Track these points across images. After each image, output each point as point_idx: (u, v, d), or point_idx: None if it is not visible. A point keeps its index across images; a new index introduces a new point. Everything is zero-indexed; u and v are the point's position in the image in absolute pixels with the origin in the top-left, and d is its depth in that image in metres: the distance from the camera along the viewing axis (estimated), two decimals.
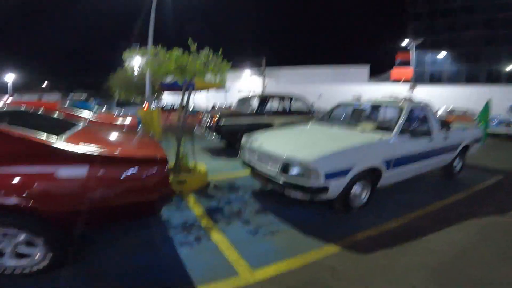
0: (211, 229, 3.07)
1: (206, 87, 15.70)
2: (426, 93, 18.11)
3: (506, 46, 22.75)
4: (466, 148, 5.24)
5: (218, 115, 7.02)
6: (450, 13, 25.68)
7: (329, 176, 3.00)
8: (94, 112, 7.61)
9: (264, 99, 7.53)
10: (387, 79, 29.16)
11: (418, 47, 24.73)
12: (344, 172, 3.11)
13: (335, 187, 3.10)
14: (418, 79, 25.23)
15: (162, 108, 14.80)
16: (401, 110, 4.00)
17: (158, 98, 16.87)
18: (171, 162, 4.75)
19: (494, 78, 23.08)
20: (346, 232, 3.05)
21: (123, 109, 12.38)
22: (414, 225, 3.27)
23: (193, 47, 4.08)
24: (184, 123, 4.72)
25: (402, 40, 21.21)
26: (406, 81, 21.46)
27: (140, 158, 2.19)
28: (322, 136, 3.81)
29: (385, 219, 3.39)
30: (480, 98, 17.81)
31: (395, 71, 28.60)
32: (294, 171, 3.11)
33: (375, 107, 4.71)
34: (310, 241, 2.89)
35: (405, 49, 21.84)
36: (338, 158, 3.08)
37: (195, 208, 3.64)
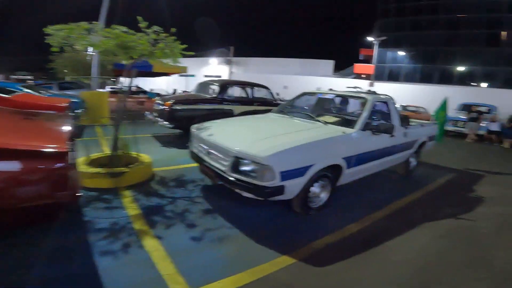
0: (145, 234, 2.56)
1: (166, 71, 14.51)
2: (383, 90, 18.76)
3: (462, 46, 24.29)
4: (422, 145, 5.26)
5: (171, 100, 6.38)
6: (416, 11, 26.77)
7: (286, 174, 2.64)
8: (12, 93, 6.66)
9: (224, 85, 7.01)
10: (351, 74, 30.11)
11: (381, 44, 25.67)
12: (303, 170, 2.77)
13: (293, 186, 2.76)
14: (378, 75, 26.28)
15: (116, 91, 13.61)
16: (364, 103, 3.77)
17: (115, 80, 15.46)
18: (104, 153, 4.16)
19: (446, 78, 24.79)
20: (305, 239, 2.73)
21: (65, 92, 11.11)
22: (376, 229, 3.05)
23: (143, 24, 3.68)
24: (124, 107, 4.10)
25: (369, 36, 21.79)
26: (367, 76, 22.18)
27: (18, 150, 1.59)
28: (280, 129, 3.45)
29: (345, 221, 3.14)
30: (433, 96, 18.97)
31: (358, 67, 29.55)
32: (246, 167, 2.70)
33: (339, 99, 4.46)
34: (264, 250, 2.49)
35: (370, 46, 22.50)
36: (296, 154, 2.73)
37: (130, 207, 3.09)
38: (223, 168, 2.91)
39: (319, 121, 3.70)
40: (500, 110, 13.55)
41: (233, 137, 3.17)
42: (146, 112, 7.64)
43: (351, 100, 4.33)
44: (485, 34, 23.39)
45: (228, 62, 35.58)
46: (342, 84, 24.64)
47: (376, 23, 28.32)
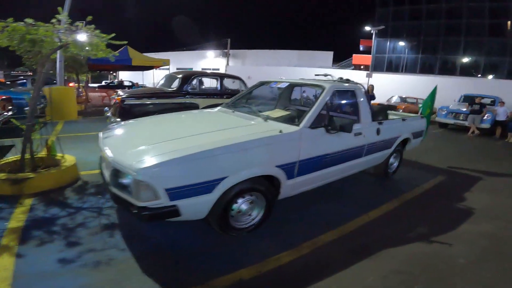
0: (5, 251, 2.13)
1: (147, 64, 13.74)
2: (383, 81, 17.81)
3: (465, 36, 22.83)
4: (404, 142, 4.47)
5: (124, 94, 5.67)
6: (417, 0, 25.33)
7: (178, 191, 1.93)
8: None
9: (187, 77, 6.26)
10: (351, 65, 28.99)
11: (379, 34, 24.47)
12: (209, 185, 2.05)
13: (195, 206, 2.06)
14: (378, 66, 25.06)
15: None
16: (319, 93, 2.98)
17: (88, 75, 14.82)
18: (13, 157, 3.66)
19: (448, 69, 23.46)
20: (214, 270, 2.08)
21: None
22: (313, 260, 2.33)
23: (63, 15, 3.60)
24: (35, 106, 3.65)
25: (367, 26, 20.65)
26: (366, 67, 21.15)
27: None
28: (200, 128, 2.69)
29: (280, 247, 2.43)
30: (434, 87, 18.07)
31: (356, 57, 28.39)
32: (123, 181, 2.01)
33: (295, 89, 3.67)
34: (145, 283, 1.92)
35: (371, 36, 21.39)
36: (194, 164, 2.00)
37: (16, 218, 2.60)
38: (107, 179, 2.24)
39: (260, 116, 2.93)
40: (506, 103, 12.58)
41: (125, 140, 2.50)
42: (106, 108, 6.94)
43: (307, 90, 3.56)
44: (488, 24, 21.97)
45: (225, 55, 34.88)
46: (341, 75, 23.64)
47: (375, 12, 26.97)
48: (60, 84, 9.36)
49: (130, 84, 20.82)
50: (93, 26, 4.26)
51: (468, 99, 12.19)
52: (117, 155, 2.13)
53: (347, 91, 3.38)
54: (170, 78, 6.67)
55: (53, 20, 3.84)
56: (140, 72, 25.36)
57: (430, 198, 3.87)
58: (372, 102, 9.21)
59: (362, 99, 3.38)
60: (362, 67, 25.86)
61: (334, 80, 3.78)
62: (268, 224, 2.70)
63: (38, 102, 8.10)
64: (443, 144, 8.28)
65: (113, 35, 3.84)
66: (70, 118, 8.61)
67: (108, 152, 2.25)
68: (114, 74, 29.93)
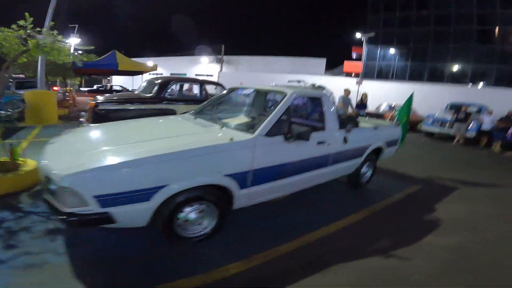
0: None
1: (134, 69, 13.64)
2: (373, 88, 17.90)
3: (454, 43, 23.04)
4: (378, 151, 4.41)
5: (98, 99, 5.56)
6: (406, 6, 25.50)
7: (110, 198, 1.87)
8: None
9: (165, 83, 6.17)
10: (342, 72, 29.19)
11: (370, 41, 24.72)
12: (146, 193, 1.97)
13: (132, 214, 1.99)
14: (368, 73, 25.23)
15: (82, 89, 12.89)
16: (279, 100, 2.90)
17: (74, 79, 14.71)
18: None
19: (437, 76, 23.66)
20: (151, 282, 1.98)
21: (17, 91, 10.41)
22: (261, 273, 2.23)
23: (29, 21, 3.70)
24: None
25: (357, 32, 20.81)
26: (357, 75, 21.30)
27: None
28: (147, 135, 2.63)
29: (229, 258, 2.34)
30: (423, 95, 18.13)
31: (347, 65, 28.57)
32: (51, 187, 1.96)
33: (260, 96, 3.60)
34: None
35: (362, 43, 21.60)
36: (126, 171, 1.92)
37: None
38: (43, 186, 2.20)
39: (218, 123, 2.85)
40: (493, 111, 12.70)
41: (66, 147, 2.43)
42: (82, 113, 6.80)
43: (270, 96, 3.48)
44: (476, 30, 22.30)
45: (219, 61, 34.97)
46: (333, 82, 23.78)
47: (367, 19, 27.26)
48: (41, 88, 9.21)
49: (121, 88, 20.72)
50: (55, 31, 4.20)
51: (455, 107, 12.26)
52: (49, 162, 2.09)
53: (313, 98, 3.31)
54: (149, 84, 6.57)
55: (13, 26, 3.79)
56: (134, 78, 25.34)
57: (400, 208, 3.79)
58: (365, 111, 8.76)
59: (328, 106, 3.31)
60: (353, 74, 26.02)
61: (306, 87, 3.71)
62: (226, 233, 2.64)
63: (16, 106, 8.01)
64: (426, 152, 8.27)
65: (78, 40, 4.01)
66: (49, 123, 8.46)
67: (44, 158, 2.19)
68: (108, 78, 29.88)
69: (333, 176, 3.59)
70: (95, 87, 23.81)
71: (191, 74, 35.58)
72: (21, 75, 14.54)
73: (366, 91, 10.88)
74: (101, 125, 3.23)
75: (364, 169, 4.24)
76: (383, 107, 15.54)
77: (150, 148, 2.12)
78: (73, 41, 25.53)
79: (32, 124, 8.03)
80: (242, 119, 3.01)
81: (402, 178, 5.17)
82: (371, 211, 3.58)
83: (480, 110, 12.14)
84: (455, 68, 22.82)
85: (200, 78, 7.12)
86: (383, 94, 17.82)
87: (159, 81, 6.22)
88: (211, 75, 33.91)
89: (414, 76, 24.26)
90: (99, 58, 13.33)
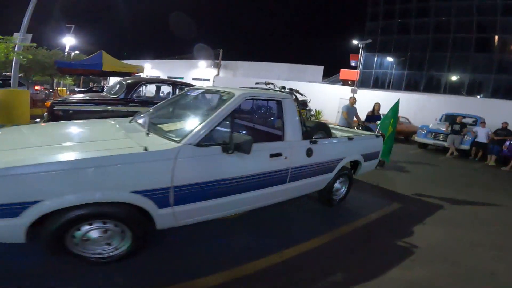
0: None
1: (119, 70, 13.20)
2: (369, 97, 17.49)
3: (452, 51, 22.52)
4: (355, 165, 3.95)
5: (56, 99, 5.13)
6: (405, 13, 25.06)
7: None
8: None
9: (133, 84, 5.74)
10: (339, 80, 28.85)
11: (367, 49, 24.42)
12: (11, 208, 1.60)
13: None
14: (365, 81, 24.84)
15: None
16: (222, 103, 2.45)
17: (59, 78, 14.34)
18: None
19: (434, 86, 23.19)
20: None
21: None
22: None
23: None
24: None
25: (354, 40, 20.52)
26: (353, 83, 20.96)
27: None
28: (50, 140, 2.18)
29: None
30: (419, 105, 17.75)
31: (343, 72, 28.20)
32: None
33: (208, 98, 3.14)
34: None
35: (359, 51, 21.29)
36: None
37: None
38: None
39: (148, 128, 2.39)
40: (489, 123, 12.28)
41: None
42: (45, 114, 6.36)
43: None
44: (475, 38, 21.92)
45: (216, 65, 34.74)
46: (329, 90, 23.43)
47: (365, 26, 26.90)
48: (14, 86, 8.79)
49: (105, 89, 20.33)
50: None
51: (449, 119, 11.86)
52: None
53: (272, 101, 2.85)
54: (118, 85, 6.15)
55: None
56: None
57: (371, 231, 3.32)
58: (374, 122, 7.28)
59: (289, 112, 2.85)
60: (349, 82, 25.67)
61: (275, 90, 3.28)
62: (145, 257, 2.18)
63: None
64: (416, 166, 7.80)
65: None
66: (19, 122, 7.99)
67: None
68: (105, 79, 29.53)
69: (295, 193, 3.12)
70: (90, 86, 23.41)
71: (188, 77, 35.35)
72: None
73: (361, 99, 10.44)
74: (22, 126, 2.77)
75: (337, 185, 3.77)
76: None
77: (23, 156, 1.68)
78: (68, 41, 25.35)
79: (0, 123, 7.58)
80: (179, 124, 2.55)
81: (384, 195, 4.71)
82: (336, 234, 3.11)
83: (476, 122, 11.74)
84: (452, 77, 22.41)
85: (173, 80, 6.68)
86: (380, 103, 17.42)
87: (128, 82, 5.80)
88: (208, 80, 33.64)
89: (411, 85, 23.83)
90: (85, 58, 12.96)
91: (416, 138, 11.51)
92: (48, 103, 5.11)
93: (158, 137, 2.24)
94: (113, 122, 2.90)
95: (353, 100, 7.50)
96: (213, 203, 2.28)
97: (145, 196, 1.91)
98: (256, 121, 3.08)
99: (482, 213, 4.36)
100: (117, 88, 6.02)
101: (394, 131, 5.24)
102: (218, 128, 2.30)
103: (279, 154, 2.65)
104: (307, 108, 4.58)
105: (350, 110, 7.24)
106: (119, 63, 12.95)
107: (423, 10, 23.53)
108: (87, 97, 5.55)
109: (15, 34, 8.87)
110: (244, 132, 2.99)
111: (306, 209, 3.75)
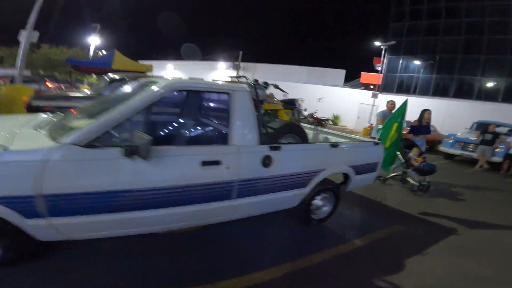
0: None
1: (126, 69, 13.20)
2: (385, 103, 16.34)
3: (486, 54, 20.28)
4: (345, 180, 3.26)
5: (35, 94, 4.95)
6: (433, 14, 23.13)
7: None
8: None
9: (114, 81, 5.42)
10: (360, 84, 27.46)
11: (392, 51, 22.97)
12: None
13: None
14: (388, 86, 23.22)
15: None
16: (136, 95, 1.91)
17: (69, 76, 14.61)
18: None
19: (465, 91, 21.00)
20: None
21: None
22: None
23: None
24: None
25: (376, 41, 19.33)
26: (375, 87, 19.69)
27: None
28: None
29: None
30: (448, 112, 16.21)
31: (364, 76, 26.72)
32: None
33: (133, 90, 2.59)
34: None
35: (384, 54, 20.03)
36: None
37: None
38: None
39: (40, 127, 1.91)
40: None
41: None
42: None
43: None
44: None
45: (236, 67, 34.71)
46: (352, 95, 22.28)
47: (389, 27, 25.22)
48: (19, 82, 8.97)
49: None
50: None
51: (481, 127, 10.51)
52: None
53: (217, 94, 2.27)
54: (103, 81, 5.89)
55: None
56: None
57: (351, 261, 2.60)
58: (423, 135, 5.69)
59: (241, 109, 2.25)
60: (371, 86, 24.26)
61: (249, 84, 2.72)
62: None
63: None
64: (436, 179, 6.77)
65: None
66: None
67: None
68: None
69: (251, 211, 2.50)
70: None
71: (207, 79, 35.74)
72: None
73: (383, 104, 9.36)
74: None
75: (317, 203, 3.08)
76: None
77: None
78: (93, 40, 26.30)
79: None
80: (85, 122, 2.04)
81: (387, 213, 3.94)
82: (305, 263, 2.44)
83: (511, 131, 10.34)
84: (487, 82, 20.30)
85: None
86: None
87: (110, 78, 5.50)
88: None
89: (439, 90, 21.90)
90: (99, 57, 13.07)
91: (441, 148, 10.33)
92: (25, 97, 4.92)
93: (45, 137, 1.75)
94: (19, 119, 2.46)
95: (391, 105, 5.92)
96: (115, 217, 1.74)
97: (3, 204, 1.48)
98: (192, 119, 2.50)
99: (500, 241, 3.47)
100: (101, 84, 5.75)
101: (400, 137, 4.42)
102: (126, 125, 1.76)
103: (217, 162, 2.05)
104: (297, 107, 3.90)
105: (387, 116, 5.59)
106: (130, 62, 12.95)
107: (453, 10, 21.63)
108: (63, 94, 5.31)
109: (22, 31, 8.99)
110: (172, 132, 2.42)
111: (280, 226, 3.12)
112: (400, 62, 24.36)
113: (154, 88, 1.94)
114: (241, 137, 2.23)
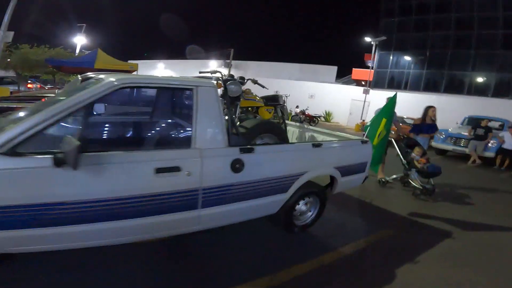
0: None
1: (110, 68, 12.73)
2: (383, 99, 16.17)
3: (476, 49, 20.31)
4: (331, 183, 3.00)
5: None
6: (423, 9, 23.04)
7: None
8: None
9: (86, 79, 5.04)
10: (352, 80, 27.35)
11: (382, 47, 22.85)
12: None
13: None
14: (379, 82, 23.09)
15: None
16: (73, 94, 1.62)
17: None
18: None
19: (456, 86, 20.97)
20: None
21: None
22: None
23: None
24: None
25: (367, 37, 19.18)
26: (367, 83, 19.56)
27: None
28: None
29: None
30: (439, 107, 16.06)
31: (356, 72, 26.57)
32: None
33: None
34: None
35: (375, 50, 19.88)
36: None
37: None
38: None
39: None
40: None
41: None
42: None
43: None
44: (502, 34, 19.61)
45: (227, 65, 34.38)
46: (343, 91, 22.13)
47: (380, 23, 25.07)
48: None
49: None
50: None
51: (473, 122, 10.42)
52: None
53: (177, 91, 1.98)
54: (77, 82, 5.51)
55: None
56: None
57: (333, 273, 2.34)
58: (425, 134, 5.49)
59: (206, 107, 1.96)
60: (363, 82, 24.13)
61: (218, 79, 2.45)
62: None
63: None
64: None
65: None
66: None
67: None
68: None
69: (222, 221, 2.22)
70: None
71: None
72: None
73: (374, 101, 9.13)
74: None
75: (300, 208, 2.82)
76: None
77: None
78: (79, 40, 25.59)
79: None
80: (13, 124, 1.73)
81: (375, 216, 3.70)
82: (283, 277, 2.16)
83: (503, 126, 10.24)
84: (477, 77, 20.33)
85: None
86: (397, 105, 16.05)
87: (81, 77, 5.14)
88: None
89: (430, 86, 21.84)
90: (81, 56, 12.62)
91: (433, 144, 10.17)
92: None
93: None
94: None
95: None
96: (48, 232, 1.45)
97: None
98: (146, 120, 2.21)
99: (498, 244, 3.26)
100: (77, 83, 5.38)
101: (388, 134, 4.17)
102: (61, 127, 1.47)
103: (175, 169, 1.76)
104: (281, 104, 3.60)
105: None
106: (113, 61, 12.50)
107: (442, 6, 21.57)
108: (30, 95, 4.94)
109: None
110: (120, 136, 2.13)
111: (257, 233, 2.84)
112: (391, 57, 24.26)
113: (97, 85, 1.65)
114: (206, 139, 1.94)
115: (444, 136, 9.98)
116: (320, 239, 2.92)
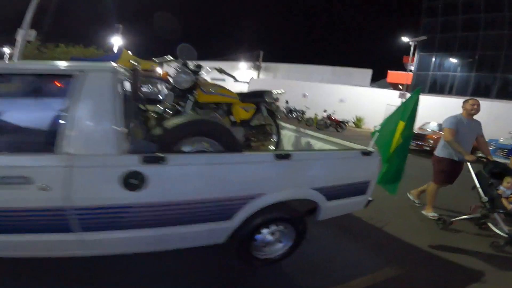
0: None
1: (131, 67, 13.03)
2: (424, 104, 14.45)
3: None
4: (311, 210, 2.22)
5: None
6: (471, 8, 20.61)
7: None
8: None
9: None
10: (387, 84, 25.37)
11: (424, 48, 20.80)
12: None
13: None
14: (419, 85, 20.73)
15: None
16: None
17: None
18: None
19: (510, 92, 18.21)
20: None
21: None
22: None
23: None
24: None
25: (404, 37, 17.49)
26: (407, 87, 17.73)
27: None
28: None
29: None
30: (490, 114, 13.97)
31: (392, 75, 24.47)
32: None
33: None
34: None
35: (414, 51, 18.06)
36: None
37: None
38: None
39: None
40: None
41: None
42: None
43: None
44: None
45: (257, 67, 34.14)
46: (375, 96, 20.47)
47: (421, 23, 22.75)
48: None
49: None
50: None
51: None
52: None
53: (50, 79, 1.39)
54: None
55: None
56: None
57: None
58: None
59: (87, 98, 1.34)
60: (400, 86, 22.19)
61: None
62: None
63: None
64: (464, 197, 5.26)
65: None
66: None
67: None
68: None
69: (123, 248, 1.57)
70: None
71: (229, 79, 36.07)
72: None
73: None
74: None
75: (266, 238, 2.08)
76: (431, 126, 11.93)
77: None
78: (116, 41, 26.89)
79: None
80: None
81: (382, 248, 2.80)
82: None
83: None
84: None
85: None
86: (437, 111, 14.12)
87: None
88: (247, 82, 33.33)
89: (480, 90, 19.24)
90: (105, 55, 12.96)
91: (480, 155, 8.65)
92: None
93: None
94: None
95: (472, 107, 3.62)
96: None
97: None
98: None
99: None
100: None
101: (408, 142, 3.11)
102: None
103: (21, 180, 1.15)
104: (270, 101, 2.83)
105: (464, 125, 3.60)
106: (135, 60, 12.66)
107: (493, 4, 18.97)
108: None
109: (19, 30, 8.83)
110: None
111: (210, 265, 2.16)
112: (433, 59, 22.01)
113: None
114: (83, 142, 1.32)
115: (494, 147, 8.46)
116: (288, 278, 2.14)
